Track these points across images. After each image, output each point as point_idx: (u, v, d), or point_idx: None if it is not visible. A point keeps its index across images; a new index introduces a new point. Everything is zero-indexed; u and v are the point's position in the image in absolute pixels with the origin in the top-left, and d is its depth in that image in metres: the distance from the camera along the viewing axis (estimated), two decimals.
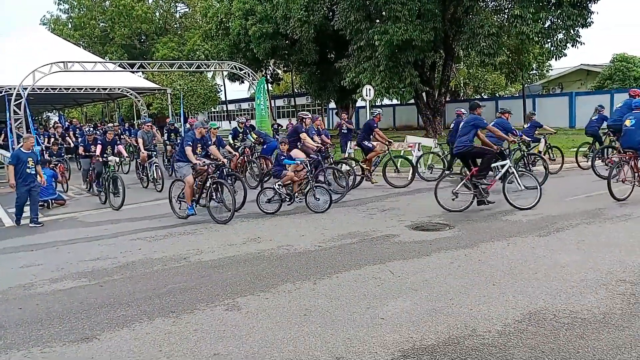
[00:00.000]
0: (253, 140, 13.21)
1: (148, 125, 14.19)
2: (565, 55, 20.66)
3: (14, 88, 17.03)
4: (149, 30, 45.33)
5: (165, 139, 15.71)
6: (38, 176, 9.78)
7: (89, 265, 6.47)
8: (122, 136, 19.71)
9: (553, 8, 19.54)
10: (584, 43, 20.10)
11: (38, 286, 5.73)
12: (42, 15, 66.22)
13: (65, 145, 17.68)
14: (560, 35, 20.16)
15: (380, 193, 10.81)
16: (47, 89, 21.65)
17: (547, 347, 3.65)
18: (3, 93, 19.03)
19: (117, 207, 10.39)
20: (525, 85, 29.97)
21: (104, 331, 4.35)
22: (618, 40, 78.67)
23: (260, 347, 3.90)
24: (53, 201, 11.36)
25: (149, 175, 13.02)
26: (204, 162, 8.83)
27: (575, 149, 13.56)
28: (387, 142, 11.47)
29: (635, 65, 28.89)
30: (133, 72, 26.72)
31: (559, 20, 19.55)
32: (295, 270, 5.76)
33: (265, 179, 11.13)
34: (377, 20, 21.25)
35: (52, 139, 16.62)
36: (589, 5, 19.39)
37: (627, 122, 8.89)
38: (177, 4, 48.46)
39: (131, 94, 27.00)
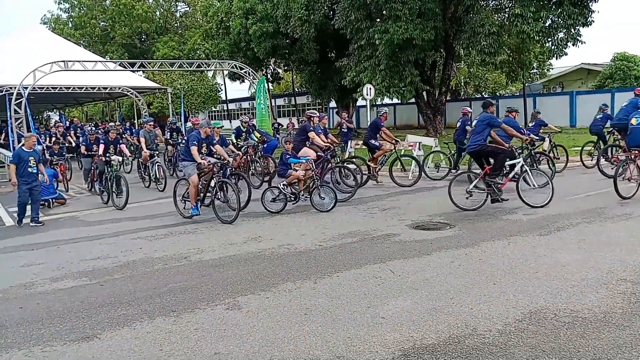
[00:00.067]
0: (256, 140, 13.20)
1: (150, 125, 14.18)
2: (566, 54, 20.69)
3: (15, 87, 17.06)
4: (150, 30, 45.33)
5: (168, 137, 15.69)
6: (41, 174, 9.79)
7: (89, 264, 6.48)
8: (124, 135, 19.74)
9: (554, 7, 19.52)
10: (584, 42, 20.13)
11: (39, 285, 5.74)
12: (43, 14, 66.20)
13: (66, 145, 17.68)
14: (561, 34, 20.14)
15: (381, 192, 10.81)
16: (47, 88, 21.67)
17: (547, 346, 3.65)
18: (4, 92, 19.05)
19: (121, 207, 10.37)
20: (526, 84, 29.95)
21: (104, 330, 4.35)
22: (619, 39, 78.67)
23: (260, 346, 3.90)
24: (54, 200, 11.37)
25: (151, 174, 13.01)
26: (209, 161, 8.83)
27: (580, 148, 13.58)
28: (393, 141, 11.46)
29: (635, 64, 28.88)
30: (133, 71, 26.75)
31: (559, 19, 19.53)
32: (295, 270, 5.76)
33: (266, 179, 11.13)
34: (378, 19, 21.23)
35: (54, 138, 16.62)
36: (590, 4, 19.37)
37: (633, 121, 8.92)
38: (177, 3, 48.44)
39: (132, 93, 27.00)
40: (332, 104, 35.37)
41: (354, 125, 17.63)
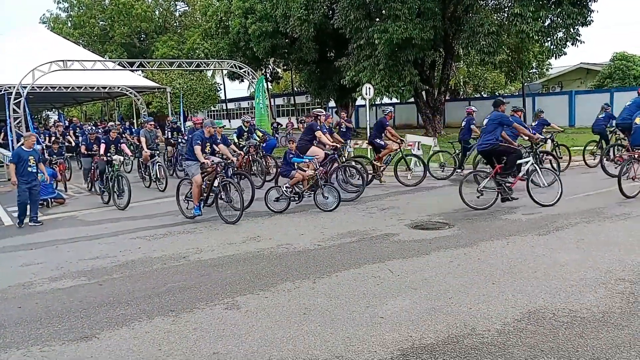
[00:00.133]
0: (259, 139, 13.20)
1: (151, 124, 14.16)
2: (565, 53, 20.70)
3: (14, 87, 17.04)
4: (149, 29, 45.30)
5: (168, 137, 15.68)
6: (42, 173, 9.78)
7: (88, 264, 6.48)
8: (124, 135, 19.72)
9: (553, 6, 19.54)
10: (583, 42, 20.15)
11: (37, 285, 5.74)
12: (42, 14, 66.25)
13: (65, 144, 17.67)
14: (560, 34, 20.16)
15: (380, 192, 10.81)
16: (46, 87, 21.66)
17: (546, 346, 3.65)
18: (3, 92, 19.00)
19: (123, 207, 10.34)
20: (525, 84, 29.99)
21: (103, 330, 4.35)
22: (618, 39, 78.71)
23: (259, 346, 3.90)
24: (53, 200, 11.36)
25: (152, 174, 13.00)
26: (213, 160, 8.82)
27: (581, 148, 13.60)
28: (399, 140, 11.46)
29: (635, 63, 28.91)
30: (132, 70, 26.74)
31: (558, 19, 19.54)
32: (294, 269, 5.76)
33: (267, 179, 11.08)
34: (377, 19, 21.24)
35: (53, 138, 16.61)
36: (589, 3, 19.39)
37: (637, 120, 8.95)
38: (176, 2, 48.42)
39: (131, 93, 26.99)
40: (332, 103, 35.38)
41: (352, 125, 17.60)
